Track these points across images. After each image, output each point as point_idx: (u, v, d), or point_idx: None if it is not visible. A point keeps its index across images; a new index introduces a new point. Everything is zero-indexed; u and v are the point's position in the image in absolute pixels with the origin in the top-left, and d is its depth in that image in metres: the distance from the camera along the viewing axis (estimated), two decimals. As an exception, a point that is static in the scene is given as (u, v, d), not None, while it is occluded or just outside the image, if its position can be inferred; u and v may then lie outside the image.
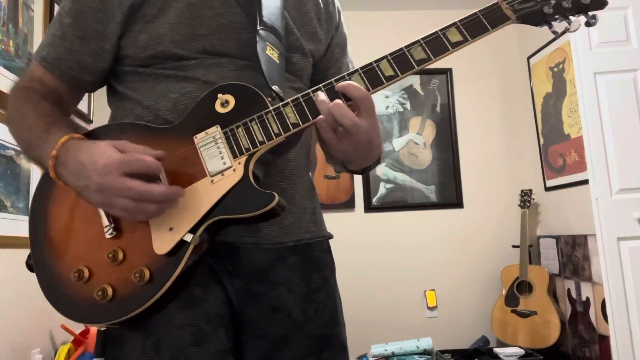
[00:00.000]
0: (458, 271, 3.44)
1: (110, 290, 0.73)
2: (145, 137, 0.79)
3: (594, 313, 2.83)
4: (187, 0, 0.84)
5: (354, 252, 3.26)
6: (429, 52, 0.77)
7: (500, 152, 3.59)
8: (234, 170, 0.75)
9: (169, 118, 0.83)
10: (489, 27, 0.78)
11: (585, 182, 2.61)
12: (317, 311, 0.90)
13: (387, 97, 3.58)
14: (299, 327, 0.88)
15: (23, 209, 2.26)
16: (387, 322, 3.28)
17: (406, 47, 0.78)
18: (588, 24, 0.77)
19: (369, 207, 3.47)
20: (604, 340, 2.69)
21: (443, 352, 3.01)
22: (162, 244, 0.73)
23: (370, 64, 0.78)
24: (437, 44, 0.78)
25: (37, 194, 0.83)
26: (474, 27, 0.79)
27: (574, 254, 2.99)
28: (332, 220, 0.98)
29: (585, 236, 2.89)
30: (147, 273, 0.72)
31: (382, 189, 3.50)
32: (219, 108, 0.78)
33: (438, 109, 3.62)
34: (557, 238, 3.18)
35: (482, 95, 3.63)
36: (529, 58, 3.48)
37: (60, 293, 0.77)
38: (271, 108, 0.77)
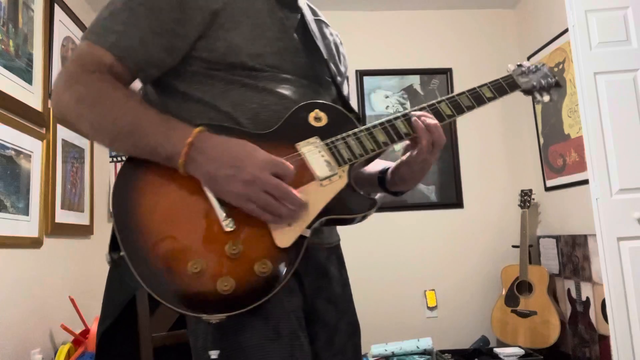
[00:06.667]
0: (458, 271, 3.43)
1: (232, 282, 0.76)
2: (248, 140, 0.82)
3: (594, 313, 2.83)
4: (253, 20, 0.90)
5: (354, 252, 3.24)
6: (473, 101, 1.02)
7: (500, 152, 3.59)
8: (340, 176, 0.86)
9: (249, 127, 0.88)
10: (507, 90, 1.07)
11: (585, 182, 2.61)
12: (349, 302, 1.04)
13: (387, 97, 3.58)
14: (342, 315, 1.00)
15: (23, 209, 2.26)
16: (387, 322, 3.28)
17: (457, 94, 1.01)
18: (551, 99, 1.15)
19: (369, 207, 3.47)
20: (604, 340, 2.69)
21: (443, 352, 3.01)
22: (284, 238, 0.79)
23: (433, 103, 0.99)
24: (477, 96, 1.02)
25: (123, 186, 0.81)
26: (500, 88, 1.05)
27: (574, 254, 2.99)
28: (332, 220, 1.02)
29: (585, 236, 2.89)
30: (270, 265, 0.78)
31: (382, 189, 3.50)
32: (312, 122, 0.89)
33: (438, 109, 3.61)
34: (557, 238, 3.18)
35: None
36: (529, 58, 3.48)
37: (172, 286, 0.75)
38: (363, 127, 0.91)
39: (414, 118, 0.93)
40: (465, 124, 3.58)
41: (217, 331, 0.82)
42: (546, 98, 1.13)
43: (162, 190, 0.81)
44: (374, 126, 0.92)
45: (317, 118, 0.90)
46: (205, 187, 0.80)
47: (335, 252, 1.05)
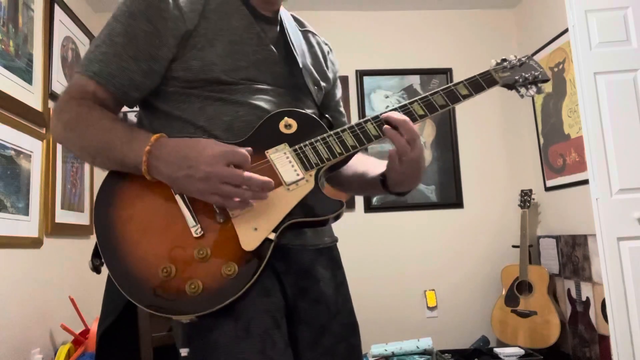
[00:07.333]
0: (458, 271, 3.44)
1: (200, 284, 0.80)
2: None
3: (594, 313, 2.83)
4: (229, 37, 0.95)
5: (354, 252, 3.25)
6: (447, 100, 1.01)
7: (500, 152, 3.59)
8: (306, 181, 0.89)
9: (223, 138, 0.91)
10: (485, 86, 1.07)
11: (585, 182, 2.61)
12: (344, 302, 1.05)
13: (387, 97, 3.58)
14: (334, 316, 1.01)
15: (23, 209, 2.26)
16: (387, 322, 3.28)
17: (431, 94, 1.01)
18: (538, 92, 1.11)
19: (369, 207, 3.47)
20: (604, 340, 2.69)
21: (443, 352, 3.01)
22: (250, 241, 0.83)
23: (405, 104, 0.99)
24: (451, 94, 1.02)
25: (103, 199, 0.88)
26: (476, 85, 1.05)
27: (574, 254, 2.99)
28: (332, 220, 1.02)
29: (585, 236, 2.89)
30: (236, 267, 0.81)
31: (382, 189, 3.49)
32: (283, 129, 0.93)
33: (438, 109, 3.61)
34: (557, 238, 3.18)
35: (481, 95, 3.62)
36: (529, 58, 3.48)
37: (145, 290, 0.81)
38: (332, 132, 0.94)
39: (385, 126, 0.95)
40: (465, 124, 3.58)
41: (189, 331, 0.85)
42: (531, 92, 1.10)
43: (137, 201, 0.87)
44: (343, 130, 0.95)
45: (288, 125, 0.94)
46: (175, 193, 0.85)
47: (327, 253, 1.06)
